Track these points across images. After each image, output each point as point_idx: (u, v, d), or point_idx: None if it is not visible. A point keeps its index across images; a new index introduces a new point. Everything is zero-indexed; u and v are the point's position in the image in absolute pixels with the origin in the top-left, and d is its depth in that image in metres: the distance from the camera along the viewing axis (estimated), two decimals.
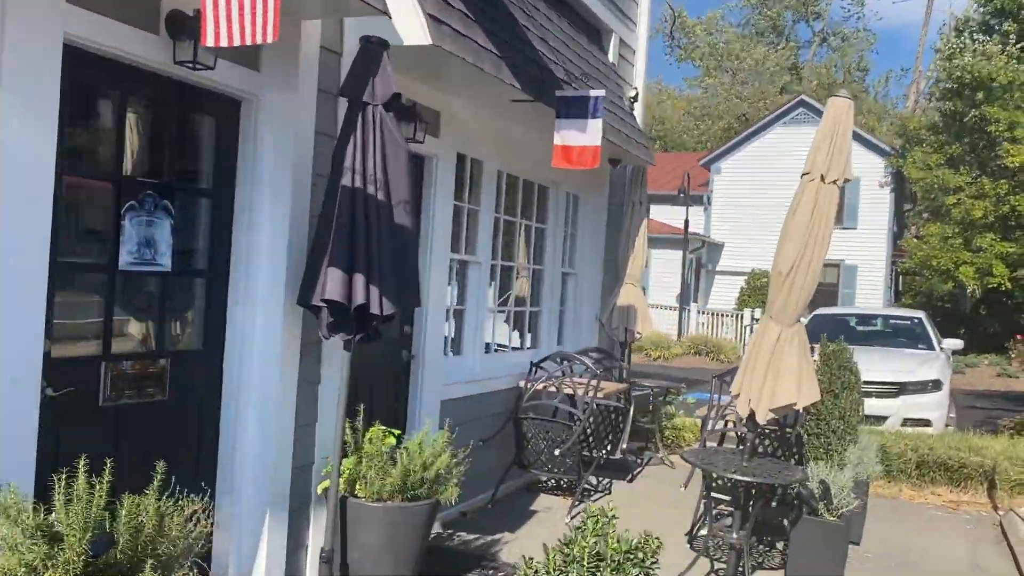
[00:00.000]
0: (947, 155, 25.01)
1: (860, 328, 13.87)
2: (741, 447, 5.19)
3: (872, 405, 10.57)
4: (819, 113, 30.49)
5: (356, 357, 5.37)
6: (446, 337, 6.49)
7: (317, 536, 4.66)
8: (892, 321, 14.03)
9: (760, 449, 6.48)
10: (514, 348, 7.71)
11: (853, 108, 4.83)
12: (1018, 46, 23.07)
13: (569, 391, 7.02)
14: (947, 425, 11.31)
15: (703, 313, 27.94)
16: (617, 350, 8.87)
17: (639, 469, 8.54)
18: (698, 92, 51.43)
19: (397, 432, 4.75)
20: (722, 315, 27.56)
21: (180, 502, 3.20)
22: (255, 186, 4.29)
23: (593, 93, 5.70)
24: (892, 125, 38.66)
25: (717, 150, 32.91)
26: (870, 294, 29.53)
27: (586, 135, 5.71)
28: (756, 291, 28.85)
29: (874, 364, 10.83)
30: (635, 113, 9.03)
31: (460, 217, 6.49)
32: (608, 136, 7.28)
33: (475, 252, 6.71)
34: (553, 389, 7.05)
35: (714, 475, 5.48)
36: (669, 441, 9.71)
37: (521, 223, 7.57)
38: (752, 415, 4.94)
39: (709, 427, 7.09)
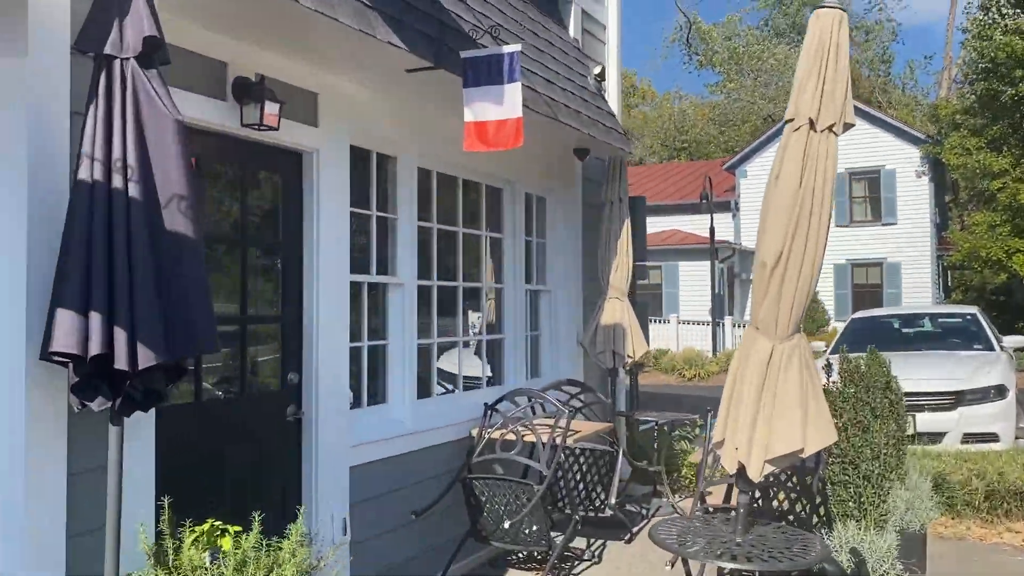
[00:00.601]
0: (987, 137, 23.15)
1: (905, 330, 12.17)
2: (729, 512, 3.71)
3: (925, 421, 8.96)
4: None
5: (213, 420, 4.05)
6: (369, 381, 5.14)
7: None
8: (942, 320, 12.30)
9: (780, 500, 4.97)
10: (468, 386, 6.30)
11: (847, 23, 3.39)
12: None
13: (532, 439, 5.58)
14: (1017, 438, 9.59)
15: (739, 326, 26.20)
16: (607, 379, 7.42)
17: (643, 523, 7.03)
18: (720, 98, 49.83)
19: (235, 528, 3.36)
20: None
21: None
22: None
23: (507, 50, 4.32)
24: (924, 115, 36.77)
25: (740, 153, 31.31)
26: (916, 292, 27.56)
27: (503, 106, 4.33)
28: None
29: (924, 372, 9.22)
30: (609, 97, 7.64)
31: (367, 229, 5.14)
32: (564, 119, 5.92)
33: (395, 272, 5.34)
34: (512, 437, 5.61)
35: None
36: (687, 482, 8.19)
37: (464, 233, 6.18)
38: (742, 470, 3.48)
39: (705, 477, 5.55)
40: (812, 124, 3.33)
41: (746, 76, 47.62)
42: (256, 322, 4.34)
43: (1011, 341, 11.18)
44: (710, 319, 25.62)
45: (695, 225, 28.31)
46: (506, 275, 6.68)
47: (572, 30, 7.36)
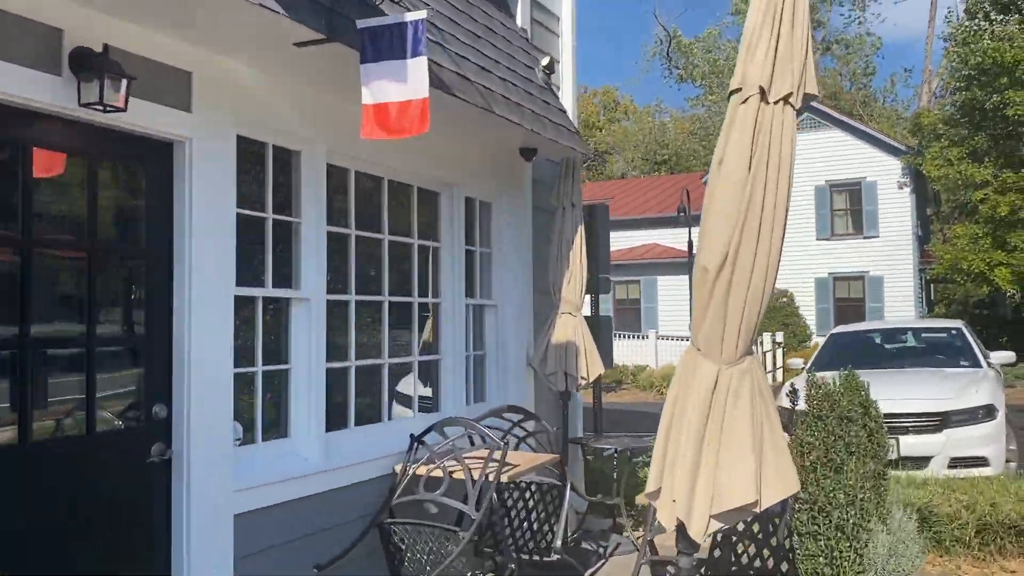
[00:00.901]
0: (969, 148, 22.71)
1: (888, 346, 11.54)
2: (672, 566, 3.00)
3: (909, 444, 8.30)
4: (826, 118, 28.36)
5: (47, 466, 3.32)
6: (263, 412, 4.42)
7: None
8: (925, 335, 11.66)
9: (745, 546, 4.28)
10: (399, 412, 5.59)
11: None
12: None
13: (462, 475, 4.86)
14: (1008, 461, 8.94)
15: None
16: (560, 404, 6.71)
17: (600, 563, 6.31)
18: (702, 111, 49.47)
19: None
20: None
21: None
22: None
23: (410, 17, 3.64)
24: (906, 128, 36.48)
25: None
26: (900, 306, 27.04)
27: (407, 84, 3.65)
28: (775, 312, 26.37)
29: (907, 391, 8.59)
30: (563, 94, 6.98)
31: (262, 235, 4.43)
32: (501, 111, 5.24)
33: (298, 285, 4.62)
34: (439, 474, 4.89)
35: None
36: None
37: (391, 241, 5.48)
38: (682, 528, 2.78)
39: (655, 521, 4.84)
40: (763, 94, 2.66)
41: (727, 89, 47.30)
42: (109, 344, 3.62)
43: (998, 357, 10.55)
44: (690, 334, 24.97)
45: (675, 239, 27.79)
46: (444, 288, 5.98)
47: (520, 19, 6.71)
